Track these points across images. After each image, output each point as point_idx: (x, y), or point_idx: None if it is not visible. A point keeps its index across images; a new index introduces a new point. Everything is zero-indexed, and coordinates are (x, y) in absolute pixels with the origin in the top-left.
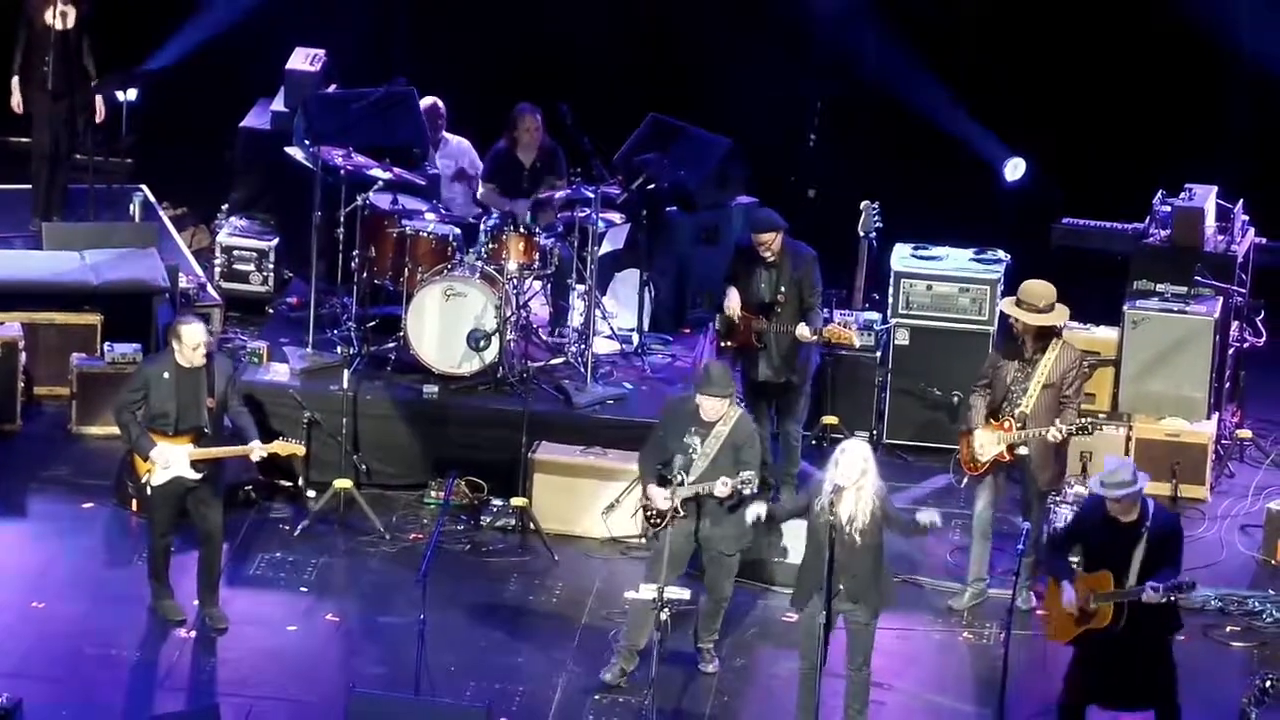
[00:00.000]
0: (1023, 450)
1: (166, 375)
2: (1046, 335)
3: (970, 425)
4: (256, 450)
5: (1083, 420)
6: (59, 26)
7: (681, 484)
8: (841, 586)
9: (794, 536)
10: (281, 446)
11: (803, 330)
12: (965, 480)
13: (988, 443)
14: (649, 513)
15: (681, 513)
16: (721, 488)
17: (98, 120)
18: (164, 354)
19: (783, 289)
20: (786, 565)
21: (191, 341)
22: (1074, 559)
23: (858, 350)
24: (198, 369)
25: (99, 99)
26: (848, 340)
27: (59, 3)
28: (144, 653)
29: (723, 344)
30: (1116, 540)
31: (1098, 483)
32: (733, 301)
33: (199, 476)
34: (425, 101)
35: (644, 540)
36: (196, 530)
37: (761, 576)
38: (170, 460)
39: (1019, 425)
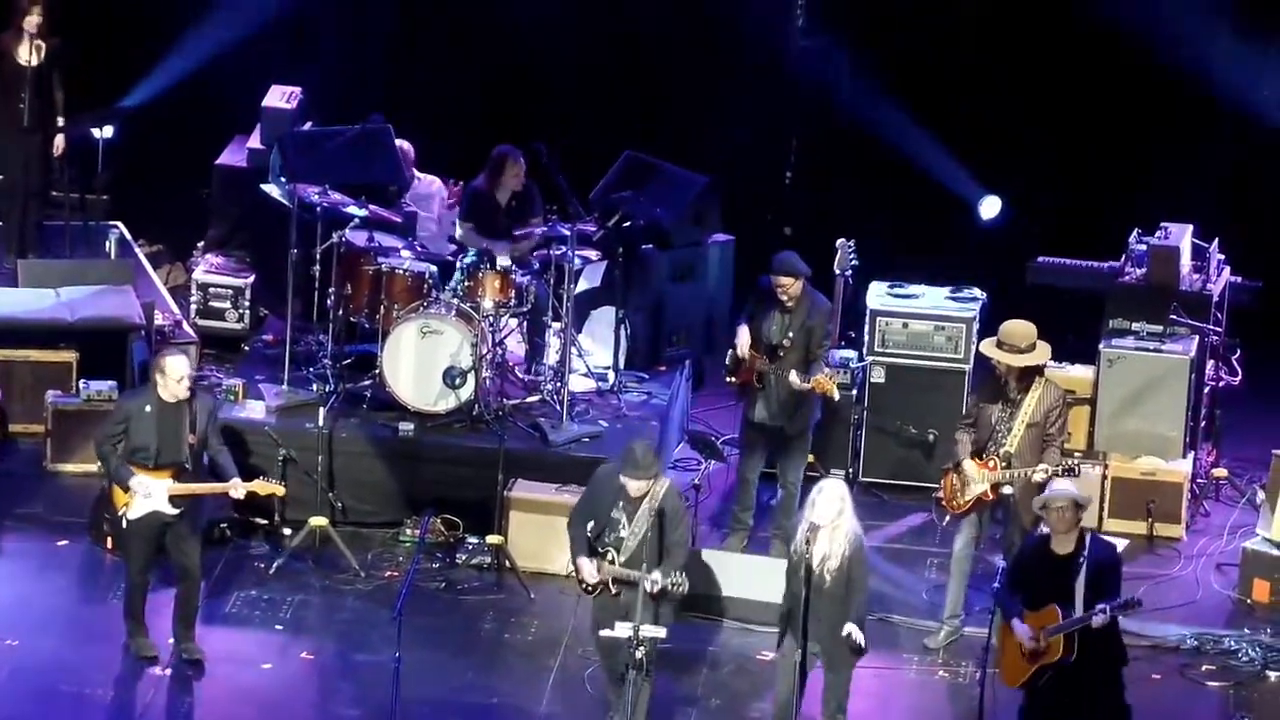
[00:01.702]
0: (1007, 490)
1: (148, 409)
2: (1029, 375)
3: (957, 458)
4: (237, 488)
5: (1068, 461)
6: (34, 62)
7: (612, 562)
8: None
9: (735, 570)
10: (261, 486)
11: (794, 376)
12: (947, 519)
13: (973, 481)
14: (580, 583)
15: (613, 590)
16: (651, 585)
17: (56, 154)
18: (145, 388)
19: (791, 334)
20: (735, 600)
21: (175, 374)
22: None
23: (845, 388)
24: (180, 404)
25: (59, 136)
26: (828, 391)
27: (32, 38)
28: (119, 691)
29: (727, 379)
30: (1056, 574)
31: (1040, 504)
32: (742, 339)
33: (176, 512)
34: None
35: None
36: (174, 567)
37: (711, 610)
38: (150, 491)
39: (1004, 465)
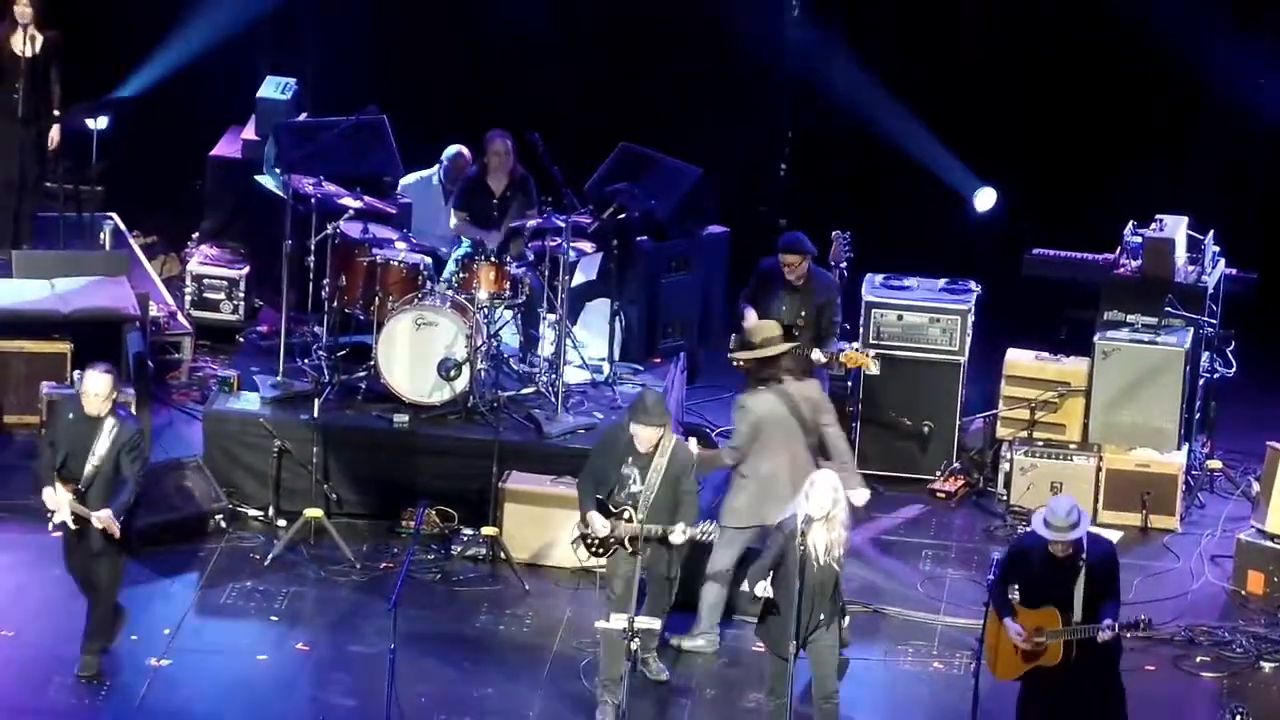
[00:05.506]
0: None
1: (71, 415)
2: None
3: None
4: (95, 518)
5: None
6: (28, 53)
7: (629, 520)
8: (823, 616)
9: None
10: (102, 518)
11: (817, 354)
12: None
13: None
14: (589, 541)
15: (629, 549)
16: (679, 535)
17: (51, 148)
18: (77, 395)
19: (803, 314)
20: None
21: (86, 388)
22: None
23: (841, 379)
24: (97, 421)
25: (56, 128)
26: (865, 365)
27: (27, 29)
28: (113, 682)
29: (733, 362)
30: (1056, 575)
31: (1041, 521)
32: (751, 319)
33: (75, 527)
34: (450, 150)
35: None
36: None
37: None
38: (57, 505)
39: None
